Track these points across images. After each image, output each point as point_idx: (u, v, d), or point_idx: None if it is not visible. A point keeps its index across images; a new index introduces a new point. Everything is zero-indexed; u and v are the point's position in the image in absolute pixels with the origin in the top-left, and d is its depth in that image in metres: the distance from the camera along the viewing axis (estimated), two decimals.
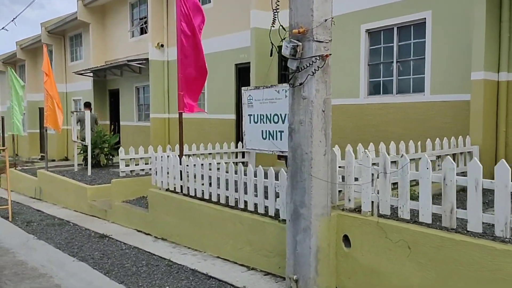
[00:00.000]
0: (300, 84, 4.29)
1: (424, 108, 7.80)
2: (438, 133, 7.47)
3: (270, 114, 5.70)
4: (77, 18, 17.82)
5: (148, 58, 14.29)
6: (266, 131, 5.77)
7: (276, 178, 5.22)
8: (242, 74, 11.65)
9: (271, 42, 4.47)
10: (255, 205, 5.54)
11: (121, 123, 17.18)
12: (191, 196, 6.64)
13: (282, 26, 4.47)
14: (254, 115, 5.95)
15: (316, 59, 4.16)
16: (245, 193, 5.67)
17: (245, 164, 8.58)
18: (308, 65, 4.19)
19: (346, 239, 4.43)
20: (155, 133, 14.19)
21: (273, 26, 4.46)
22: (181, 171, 6.82)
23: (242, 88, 6.16)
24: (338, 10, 6.75)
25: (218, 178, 6.10)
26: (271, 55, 4.43)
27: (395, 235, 3.94)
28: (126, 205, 8.25)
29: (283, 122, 5.53)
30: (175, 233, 6.79)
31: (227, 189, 5.97)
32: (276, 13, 4.53)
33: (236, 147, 9.66)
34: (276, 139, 5.63)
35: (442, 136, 6.59)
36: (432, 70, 7.66)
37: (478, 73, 6.56)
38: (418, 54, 7.92)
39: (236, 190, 5.81)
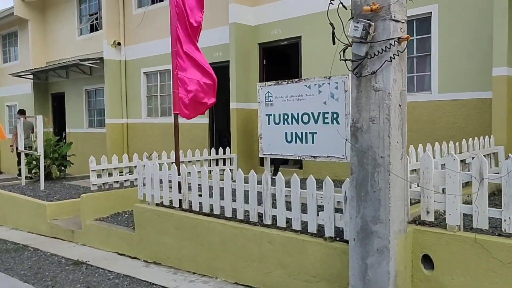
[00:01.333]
0: (372, 73, 3.51)
1: (431, 108, 7.33)
2: (447, 134, 7.03)
3: (298, 114, 4.88)
4: (13, 14, 15.93)
5: (102, 58, 12.92)
6: (292, 133, 4.94)
7: (299, 187, 4.40)
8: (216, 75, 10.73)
9: (331, 24, 3.65)
10: (288, 220, 4.69)
11: (67, 130, 15.49)
12: (194, 212, 5.65)
13: (342, 3, 3.67)
14: (274, 114, 5.10)
15: (395, 42, 3.41)
16: (273, 206, 4.79)
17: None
18: (383, 50, 3.43)
19: (425, 259, 3.70)
20: (112, 140, 12.82)
21: (332, 3, 3.64)
22: (179, 182, 5.80)
23: (258, 84, 5.29)
24: None
25: (233, 190, 5.17)
26: (333, 43, 3.61)
27: (506, 254, 3.26)
28: (101, 224, 7.03)
29: (315, 122, 4.73)
30: (174, 256, 5.75)
31: (246, 202, 5.07)
32: None
33: (217, 153, 8.73)
34: (307, 142, 4.82)
35: (451, 138, 6.16)
36: (440, 67, 7.22)
37: (500, 68, 6.15)
38: (424, 50, 7.47)
39: (260, 203, 4.93)
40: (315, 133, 4.73)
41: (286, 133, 4.99)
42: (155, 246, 5.99)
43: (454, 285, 3.52)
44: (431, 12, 7.26)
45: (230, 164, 9.00)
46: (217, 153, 8.81)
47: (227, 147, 9.16)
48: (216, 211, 5.35)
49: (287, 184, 4.59)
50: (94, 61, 13.06)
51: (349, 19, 3.56)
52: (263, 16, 9.51)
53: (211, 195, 5.45)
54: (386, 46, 3.42)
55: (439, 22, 7.18)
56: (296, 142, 4.91)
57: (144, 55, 12.47)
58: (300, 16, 8.97)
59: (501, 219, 3.46)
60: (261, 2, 9.61)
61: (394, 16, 3.44)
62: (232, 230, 5.04)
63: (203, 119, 10.86)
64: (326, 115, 4.63)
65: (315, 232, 4.43)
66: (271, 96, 5.12)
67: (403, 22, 3.51)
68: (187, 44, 6.00)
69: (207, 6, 10.44)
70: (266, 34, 9.52)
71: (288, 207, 4.70)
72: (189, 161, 7.86)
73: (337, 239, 4.30)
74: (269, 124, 5.16)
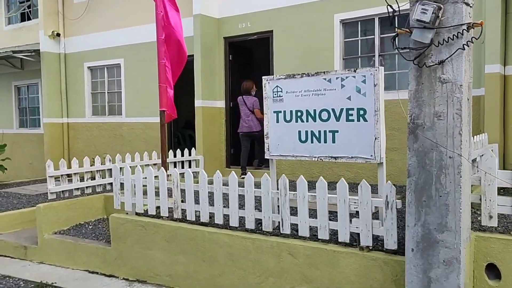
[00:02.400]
0: (440, 62, 3.12)
1: None
2: None
3: (315, 110, 4.39)
4: None
5: (37, 50, 11.55)
6: (307, 131, 4.44)
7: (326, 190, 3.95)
8: None
9: (388, 5, 3.22)
10: (312, 229, 4.20)
11: None
12: (188, 222, 4.97)
13: None
14: (285, 111, 4.57)
15: (469, 27, 3.05)
16: (291, 214, 4.28)
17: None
18: (455, 36, 3.05)
19: (488, 269, 3.38)
20: (51, 141, 11.49)
21: None
22: (169, 188, 5.09)
23: (264, 77, 4.71)
24: None
25: (240, 196, 4.58)
26: (391, 24, 3.17)
27: None
28: (65, 238, 6.07)
29: (337, 119, 4.27)
30: (165, 272, 5.02)
31: (258, 209, 4.51)
32: None
33: (182, 155, 8.03)
34: (326, 142, 4.35)
35: None
36: None
37: (493, 66, 6.12)
38: None
39: (275, 211, 4.39)
40: (337, 131, 4.28)
41: (299, 131, 4.48)
42: (139, 261, 5.22)
43: None
44: None
45: (196, 167, 8.34)
46: (182, 155, 8.11)
47: (193, 148, 8.48)
48: (218, 221, 4.72)
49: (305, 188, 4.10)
50: (29, 54, 11.65)
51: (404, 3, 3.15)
52: (230, 8, 8.91)
53: (211, 203, 4.81)
54: (459, 32, 3.04)
55: None
56: (312, 142, 4.43)
57: (88, 48, 11.32)
58: (272, 9, 8.50)
59: None
60: None
61: (466, 0, 3.07)
62: (242, 242, 4.45)
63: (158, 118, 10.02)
64: (350, 112, 4.20)
65: (348, 241, 3.98)
66: (281, 91, 4.60)
67: (471, 6, 3.16)
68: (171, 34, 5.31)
69: None
70: (233, 27, 8.93)
71: (312, 214, 4.22)
72: (153, 164, 7.09)
73: (373, 249, 3.89)
74: (278, 122, 4.62)
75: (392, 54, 7.39)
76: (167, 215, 5.12)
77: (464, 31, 3.03)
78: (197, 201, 4.88)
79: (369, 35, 7.60)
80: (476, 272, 3.42)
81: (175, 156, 7.91)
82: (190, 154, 8.31)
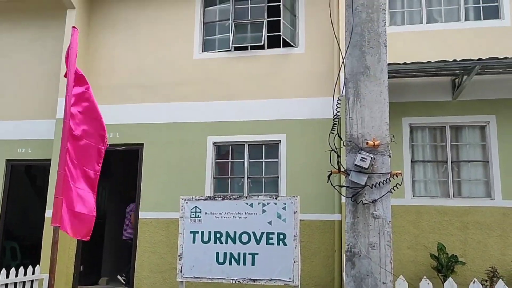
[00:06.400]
0: (372, 201, 3.79)
1: None
2: None
3: (235, 232, 4.57)
4: None
5: None
6: (226, 253, 4.54)
7: None
8: (17, 176, 9.06)
9: (335, 151, 3.85)
10: None
11: None
12: None
13: (339, 135, 3.95)
14: (202, 232, 4.63)
15: (394, 176, 3.83)
16: None
17: None
18: (384, 182, 3.79)
19: None
20: None
21: (332, 133, 3.88)
22: None
23: (182, 197, 4.76)
24: None
25: None
26: (339, 170, 3.78)
27: None
28: None
29: (257, 242, 4.52)
30: None
31: None
32: (336, 121, 3.99)
33: (25, 274, 6.92)
34: (245, 264, 4.50)
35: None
36: (288, 189, 7.98)
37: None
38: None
39: None
40: (257, 254, 4.50)
41: (218, 253, 4.56)
42: None
43: None
44: (280, 140, 8.15)
45: None
46: (25, 274, 6.99)
47: (37, 265, 7.47)
48: None
49: None
50: None
51: (337, 148, 3.85)
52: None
53: None
54: (387, 179, 3.79)
55: (287, 148, 8.06)
56: (231, 264, 4.53)
57: None
58: (144, 123, 8.66)
59: None
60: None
61: (390, 153, 3.90)
62: None
63: None
64: (271, 236, 4.53)
65: None
66: (199, 212, 4.69)
67: (390, 157, 4.00)
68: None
69: (34, 97, 9.07)
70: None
71: None
72: None
73: None
74: (194, 242, 4.63)
75: (259, 179, 8.14)
76: None
77: (392, 178, 3.80)
78: None
79: (239, 158, 8.31)
80: None
81: (7, 276, 6.67)
82: (33, 273, 7.23)
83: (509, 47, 7.31)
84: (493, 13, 7.90)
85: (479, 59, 6.67)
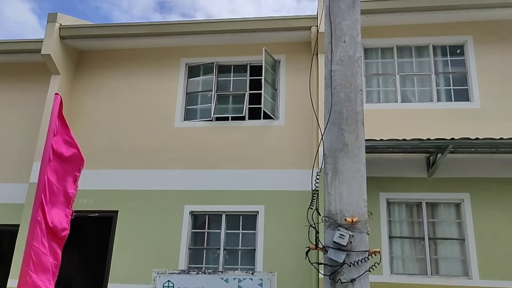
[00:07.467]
0: (351, 280, 3.71)
1: None
2: None
3: None
4: None
5: None
6: None
7: None
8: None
9: (314, 227, 3.83)
10: None
11: None
12: None
13: (318, 211, 3.94)
14: None
15: (373, 254, 3.79)
16: None
17: None
18: (363, 260, 3.74)
19: None
20: None
21: (311, 208, 3.87)
22: None
23: (154, 270, 4.59)
24: None
25: None
26: (316, 247, 3.73)
27: None
28: None
29: None
30: None
31: None
32: (315, 196, 4.00)
33: None
34: None
35: None
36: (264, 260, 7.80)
37: None
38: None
39: None
40: None
41: None
42: None
43: None
44: (258, 212, 8.08)
45: None
46: None
47: None
48: None
49: None
50: None
51: (315, 223, 3.83)
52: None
53: None
54: (365, 257, 3.74)
55: (265, 219, 7.95)
56: None
57: None
58: (118, 189, 8.52)
59: None
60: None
61: (368, 230, 3.88)
62: None
63: None
64: None
65: None
66: (172, 286, 4.51)
67: (369, 235, 3.97)
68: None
69: (7, 161, 8.91)
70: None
71: None
72: None
73: None
74: None
75: (235, 250, 7.95)
76: None
77: (367, 257, 3.75)
78: None
79: (216, 228, 8.15)
80: None
81: None
82: None
83: (480, 128, 7.60)
84: (463, 95, 8.30)
85: (452, 138, 6.90)
